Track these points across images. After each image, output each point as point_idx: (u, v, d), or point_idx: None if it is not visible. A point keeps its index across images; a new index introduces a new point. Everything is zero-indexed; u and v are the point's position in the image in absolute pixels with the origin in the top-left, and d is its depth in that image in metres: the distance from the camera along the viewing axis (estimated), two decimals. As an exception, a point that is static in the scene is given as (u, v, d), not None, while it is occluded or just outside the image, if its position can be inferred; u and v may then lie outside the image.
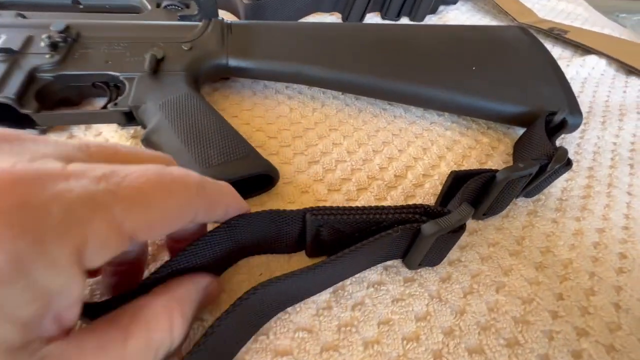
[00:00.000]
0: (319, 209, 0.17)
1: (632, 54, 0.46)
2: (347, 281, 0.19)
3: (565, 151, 0.22)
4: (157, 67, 0.25)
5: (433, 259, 0.19)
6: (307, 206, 0.17)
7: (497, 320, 0.18)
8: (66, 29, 0.25)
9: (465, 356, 0.17)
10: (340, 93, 0.32)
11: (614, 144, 0.31)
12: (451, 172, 0.21)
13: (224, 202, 0.14)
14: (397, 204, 0.19)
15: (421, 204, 0.18)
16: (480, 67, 0.29)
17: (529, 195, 0.25)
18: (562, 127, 0.25)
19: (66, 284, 0.09)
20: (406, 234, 0.17)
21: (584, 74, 0.41)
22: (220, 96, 0.30)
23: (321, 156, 0.26)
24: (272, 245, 0.19)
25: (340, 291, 0.18)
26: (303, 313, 0.17)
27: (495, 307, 0.19)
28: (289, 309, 0.17)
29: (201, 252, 0.15)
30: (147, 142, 0.22)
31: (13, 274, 0.08)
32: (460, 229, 0.17)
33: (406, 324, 0.17)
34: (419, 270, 0.20)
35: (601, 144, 0.31)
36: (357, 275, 0.19)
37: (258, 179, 0.21)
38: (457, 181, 0.21)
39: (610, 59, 0.44)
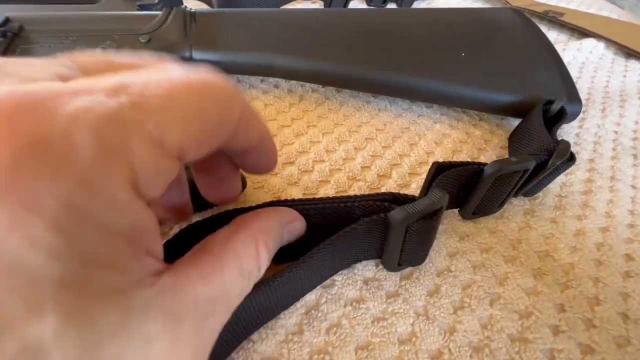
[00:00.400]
0: (276, 203, 0.15)
1: (631, 36, 0.43)
2: (322, 299, 0.17)
3: (568, 145, 0.19)
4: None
5: (414, 255, 0.17)
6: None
7: (491, 339, 0.16)
8: (5, 22, 0.22)
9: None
10: (320, 86, 0.29)
11: (616, 132, 0.29)
12: (434, 163, 0.18)
13: (257, 121, 0.12)
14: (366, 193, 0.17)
15: (390, 192, 0.16)
16: (471, 53, 0.27)
17: (528, 194, 0.22)
18: (560, 117, 0.23)
19: (138, 218, 0.08)
20: (375, 227, 0.15)
21: (581, 58, 0.39)
22: (188, 93, 0.27)
23: (297, 156, 0.23)
24: None
25: (313, 311, 0.16)
26: (269, 340, 0.15)
27: (489, 324, 0.16)
28: (253, 336, 0.15)
29: None
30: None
31: (77, 223, 0.07)
32: (435, 215, 0.15)
33: (388, 348, 0.15)
34: (403, 283, 0.17)
35: (602, 133, 0.29)
36: (333, 292, 0.17)
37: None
38: (440, 173, 0.18)
39: (609, 41, 0.42)
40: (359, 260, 0.18)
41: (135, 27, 0.24)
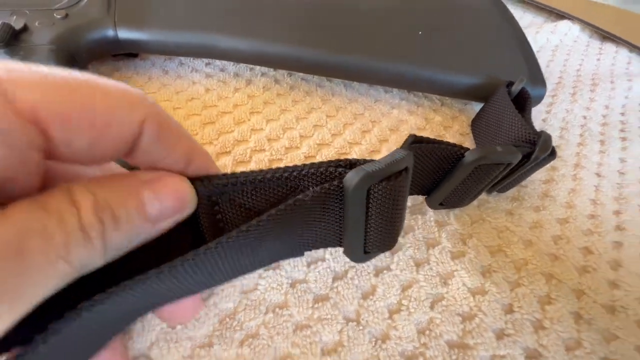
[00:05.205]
0: (208, 177, 0.11)
1: (608, 19, 0.42)
2: (240, 306, 0.15)
3: (549, 137, 0.17)
4: (11, 40, 0.19)
5: (382, 235, 0.13)
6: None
7: (427, 346, 0.14)
8: None
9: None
10: (271, 69, 0.27)
11: (584, 117, 0.28)
12: (410, 136, 0.15)
13: (186, 138, 0.10)
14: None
15: (347, 159, 0.13)
16: (428, 32, 0.25)
17: (502, 190, 0.20)
18: (525, 100, 0.21)
19: None
20: (329, 199, 0.12)
21: (555, 41, 0.37)
22: (121, 77, 0.25)
23: (234, 145, 0.21)
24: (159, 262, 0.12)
25: (227, 320, 0.14)
26: (171, 356, 0.13)
27: (427, 329, 0.15)
28: (152, 353, 0.13)
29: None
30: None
31: None
32: (401, 175, 0.12)
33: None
34: (335, 285, 0.16)
35: (570, 118, 0.27)
36: (254, 298, 0.15)
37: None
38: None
39: (585, 24, 0.40)
40: (311, 248, 0.14)
41: (49, 1, 0.22)
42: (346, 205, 0.12)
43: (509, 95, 0.22)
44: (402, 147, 0.15)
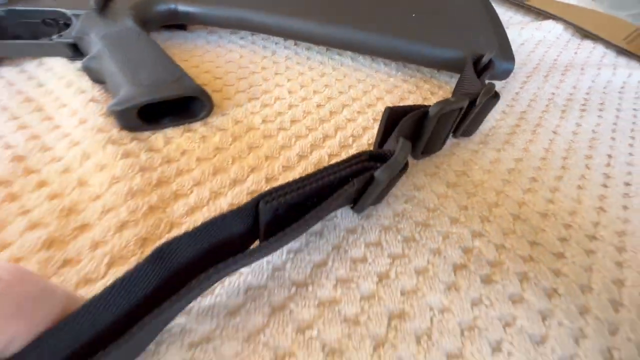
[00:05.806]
0: (273, 192, 0.15)
1: (591, 20, 0.47)
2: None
3: (493, 85, 0.23)
4: (104, 5, 0.26)
5: (378, 199, 0.20)
6: (238, 134, 0.18)
7: (399, 222, 0.20)
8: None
9: (332, 284, 0.18)
10: (292, 44, 0.33)
11: (553, 93, 0.33)
12: (386, 109, 0.20)
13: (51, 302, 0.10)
14: (341, 159, 0.17)
15: (364, 151, 0.18)
16: (421, 14, 0.31)
17: (466, 134, 0.26)
18: (487, 68, 0.27)
19: None
20: (361, 186, 0.17)
21: (538, 36, 0.42)
22: (173, 44, 0.31)
23: (262, 94, 0.27)
24: (215, 258, 0.14)
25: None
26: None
27: (401, 213, 0.20)
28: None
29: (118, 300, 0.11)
30: (87, 68, 0.23)
31: None
32: (405, 166, 0.18)
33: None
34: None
35: (539, 93, 0.33)
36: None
37: (192, 105, 0.23)
38: (392, 117, 0.20)
39: (568, 24, 0.45)
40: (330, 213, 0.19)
41: (128, -20, 0.28)
42: (372, 188, 0.17)
43: (479, 65, 0.27)
44: (382, 118, 0.20)
